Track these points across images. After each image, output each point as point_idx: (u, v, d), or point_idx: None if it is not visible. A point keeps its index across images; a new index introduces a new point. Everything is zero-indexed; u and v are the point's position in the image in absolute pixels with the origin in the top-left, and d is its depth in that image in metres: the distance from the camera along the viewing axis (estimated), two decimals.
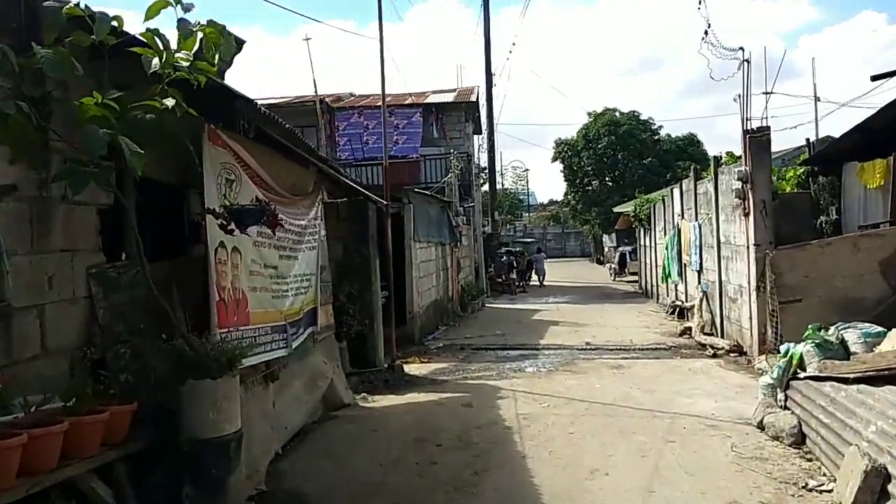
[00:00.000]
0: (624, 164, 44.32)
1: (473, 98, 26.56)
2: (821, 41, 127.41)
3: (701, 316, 12.92)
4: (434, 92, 28.07)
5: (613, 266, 34.01)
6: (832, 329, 6.54)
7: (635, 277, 28.57)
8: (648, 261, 23.02)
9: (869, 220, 9.05)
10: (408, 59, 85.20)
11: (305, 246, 7.06)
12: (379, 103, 26.43)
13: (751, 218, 10.01)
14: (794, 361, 6.51)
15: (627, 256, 31.87)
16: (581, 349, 11.92)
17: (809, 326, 6.47)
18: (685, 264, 15.43)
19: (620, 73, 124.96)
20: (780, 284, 7.44)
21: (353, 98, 28.05)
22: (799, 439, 5.90)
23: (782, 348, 6.82)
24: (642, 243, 24.64)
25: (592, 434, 6.50)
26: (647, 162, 42.99)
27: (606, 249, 48.20)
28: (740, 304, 10.97)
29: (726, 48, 10.11)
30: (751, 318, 10.19)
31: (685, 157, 40.88)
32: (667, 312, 17.19)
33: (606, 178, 45.74)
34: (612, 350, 11.76)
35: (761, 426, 6.41)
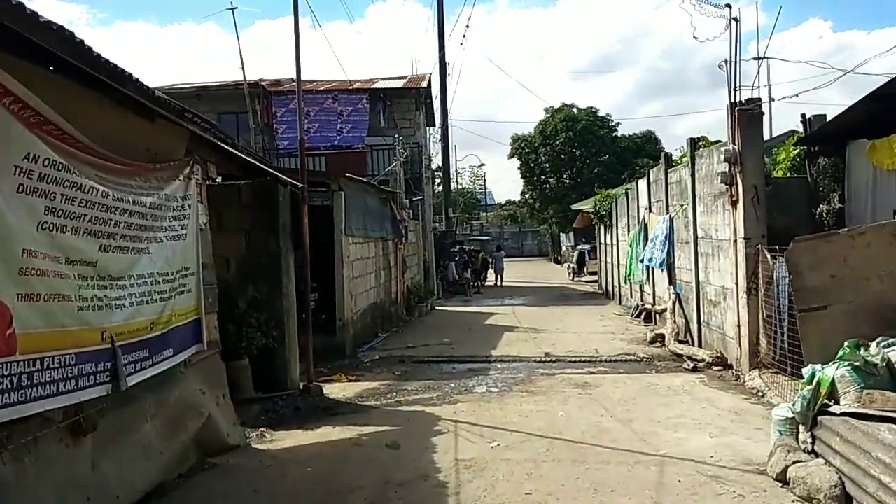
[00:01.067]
0: (582, 160, 43.25)
1: (424, 84, 24.68)
2: (770, 46, 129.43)
3: (674, 321, 11.35)
4: (383, 79, 26.15)
5: (572, 265, 32.65)
6: (873, 346, 4.91)
7: (595, 277, 27.23)
8: (609, 260, 21.57)
9: (880, 208, 7.55)
10: (363, 58, 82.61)
11: (164, 234, 5.09)
12: (322, 88, 24.48)
13: (740, 207, 8.43)
14: (823, 389, 4.86)
15: (586, 255, 30.50)
16: (540, 361, 10.19)
17: (846, 343, 4.83)
18: (654, 262, 13.88)
19: (573, 76, 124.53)
20: (799, 287, 5.81)
21: (294, 83, 25.84)
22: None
23: (806, 371, 5.16)
24: (603, 241, 23.20)
25: (557, 495, 4.70)
26: (605, 159, 41.95)
27: (564, 248, 47.01)
28: (724, 308, 9.41)
29: (712, 3, 8.53)
30: (738, 325, 8.61)
31: (643, 155, 39.96)
32: (632, 315, 15.66)
33: (564, 176, 44.61)
34: (575, 362, 10.05)
35: (784, 479, 4.73)
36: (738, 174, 8.44)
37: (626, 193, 17.81)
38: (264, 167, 7.48)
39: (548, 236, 53.36)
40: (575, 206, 33.96)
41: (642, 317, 14.89)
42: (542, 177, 45.06)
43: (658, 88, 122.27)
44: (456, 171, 48.68)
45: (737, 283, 8.62)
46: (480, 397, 7.94)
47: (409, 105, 24.20)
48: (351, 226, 11.21)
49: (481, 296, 24.64)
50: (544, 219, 47.34)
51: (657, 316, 13.80)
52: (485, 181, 70.49)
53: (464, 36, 41.27)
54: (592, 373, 9.25)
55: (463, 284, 25.18)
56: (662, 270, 12.56)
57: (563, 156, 43.39)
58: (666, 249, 12.05)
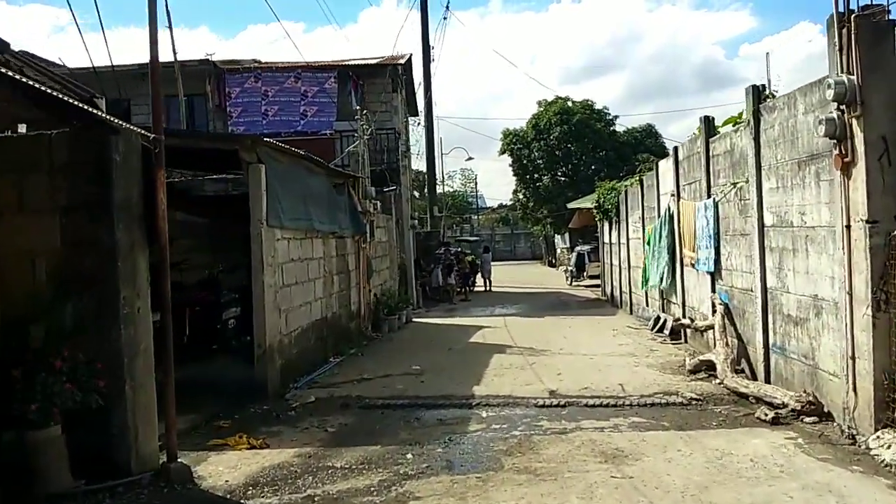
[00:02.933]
0: (577, 156, 40.29)
1: (402, 62, 21.57)
2: (760, 49, 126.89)
3: (726, 343, 8.26)
4: (355, 59, 23.05)
5: (570, 269, 29.60)
6: None
7: (597, 282, 24.21)
8: (616, 262, 18.53)
9: None
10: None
11: None
12: (284, 64, 21.33)
13: (858, 172, 5.37)
14: None
15: (586, 257, 27.47)
16: (543, 406, 7.07)
17: None
18: (685, 262, 10.85)
19: (564, 79, 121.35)
20: None
21: (255, 65, 22.59)
22: None
23: None
24: (607, 240, 20.17)
25: None
26: (603, 155, 39.03)
27: (559, 251, 44.00)
28: (816, 328, 6.33)
29: None
30: (852, 356, 5.54)
31: (643, 150, 37.04)
32: (652, 330, 12.60)
33: (559, 173, 41.64)
34: (594, 407, 6.94)
35: None
36: (854, 121, 5.38)
37: (641, 181, 14.79)
38: (86, 108, 4.33)
39: (541, 238, 50.29)
40: (571, 205, 30.99)
41: (666, 332, 11.85)
42: (536, 174, 42.05)
43: (649, 92, 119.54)
44: (443, 172, 45.36)
45: (850, 292, 5.55)
46: (450, 486, 4.80)
47: (384, 85, 21.08)
48: (280, 215, 8.07)
49: (469, 303, 21.55)
50: (538, 219, 44.31)
51: (687, 331, 10.74)
52: (476, 184, 67.73)
53: (446, 7, 37.54)
54: (622, 428, 6.14)
55: (447, 291, 22.04)
56: (706, 273, 9.50)
57: (557, 151, 40.39)
58: (712, 245, 8.99)
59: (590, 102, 41.52)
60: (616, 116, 41.74)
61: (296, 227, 8.66)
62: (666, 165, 12.07)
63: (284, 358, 8.14)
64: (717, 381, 7.78)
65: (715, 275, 9.15)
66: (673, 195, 11.34)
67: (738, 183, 8.13)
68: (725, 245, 8.75)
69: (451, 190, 63.20)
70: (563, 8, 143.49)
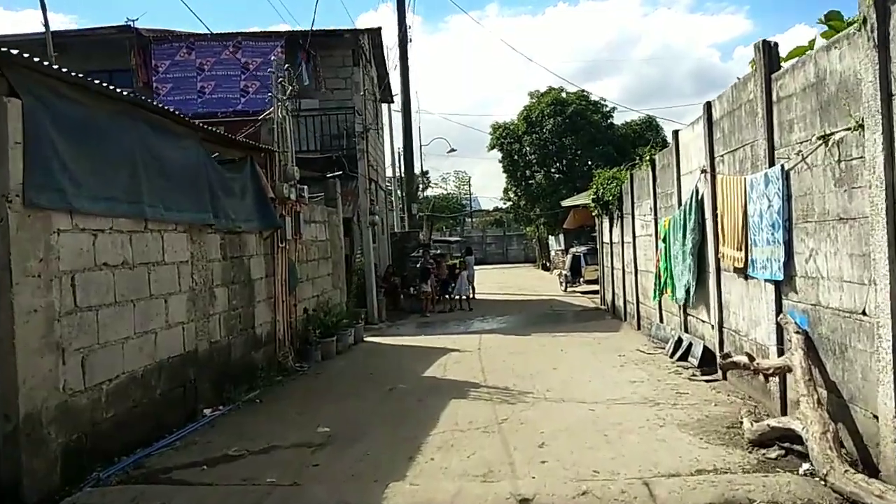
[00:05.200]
0: (573, 151, 37.07)
1: (364, 30, 18.28)
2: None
3: (818, 401, 4.95)
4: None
5: (564, 272, 26.31)
6: None
7: (595, 287, 20.98)
8: (618, 264, 15.30)
9: None
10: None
11: None
12: (225, 32, 18.02)
13: None
14: None
15: (583, 260, 24.23)
16: None
17: None
18: (723, 265, 7.60)
19: (559, 82, 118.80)
20: None
21: (188, 35, 19.14)
22: None
23: None
24: (608, 239, 16.92)
25: None
26: (600, 149, 35.80)
27: (553, 253, 40.77)
28: None
29: None
30: None
31: (643, 143, 33.69)
32: (671, 356, 9.38)
33: (552, 169, 38.45)
34: None
35: None
36: None
37: (652, 161, 11.59)
38: None
39: (535, 240, 47.03)
40: (566, 202, 27.78)
41: (694, 360, 8.62)
42: (528, 171, 38.85)
43: (645, 95, 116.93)
44: (423, 167, 41.81)
45: None
46: None
47: (343, 58, 17.84)
48: (64, 188, 4.74)
49: (447, 315, 18.25)
50: (530, 219, 41.11)
51: (727, 372, 7.47)
52: (469, 186, 64.67)
53: None
54: None
55: (421, 300, 18.74)
56: (768, 281, 6.21)
57: (551, 146, 37.17)
58: (781, 239, 5.73)
59: (585, 93, 38.34)
60: (614, 108, 38.53)
61: (108, 213, 5.33)
62: (691, 133, 8.82)
63: (78, 430, 4.82)
64: (808, 468, 4.50)
65: (783, 285, 5.88)
66: (703, 171, 8.09)
67: (833, 134, 4.87)
68: (804, 238, 5.48)
69: (445, 193, 60.17)
70: (560, 12, 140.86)
